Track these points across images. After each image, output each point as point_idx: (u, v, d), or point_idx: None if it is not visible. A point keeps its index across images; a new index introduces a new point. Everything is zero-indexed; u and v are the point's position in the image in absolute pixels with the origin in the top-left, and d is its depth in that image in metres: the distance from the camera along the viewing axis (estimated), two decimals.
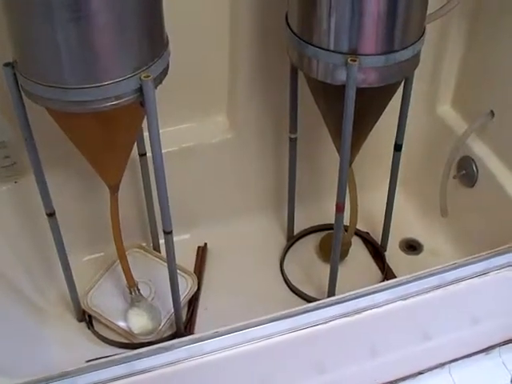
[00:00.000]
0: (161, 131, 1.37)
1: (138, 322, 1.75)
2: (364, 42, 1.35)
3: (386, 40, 1.36)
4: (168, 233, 1.53)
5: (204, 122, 1.95)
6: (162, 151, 1.40)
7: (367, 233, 2.04)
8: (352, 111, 1.41)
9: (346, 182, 1.56)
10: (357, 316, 1.31)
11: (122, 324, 1.76)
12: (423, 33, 1.44)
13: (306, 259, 2.00)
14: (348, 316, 1.31)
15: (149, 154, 1.70)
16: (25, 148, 1.50)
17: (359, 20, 1.32)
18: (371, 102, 1.51)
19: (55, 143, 1.55)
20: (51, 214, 1.58)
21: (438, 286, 1.37)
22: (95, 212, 1.84)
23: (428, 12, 1.46)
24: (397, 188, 1.87)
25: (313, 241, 2.04)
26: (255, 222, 2.06)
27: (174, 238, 1.57)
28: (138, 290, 1.76)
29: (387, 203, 1.90)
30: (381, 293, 1.34)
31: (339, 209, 1.61)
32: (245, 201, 2.05)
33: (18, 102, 1.37)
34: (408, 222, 2.08)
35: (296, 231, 2.05)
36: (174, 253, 1.57)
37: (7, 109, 1.58)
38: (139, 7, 1.24)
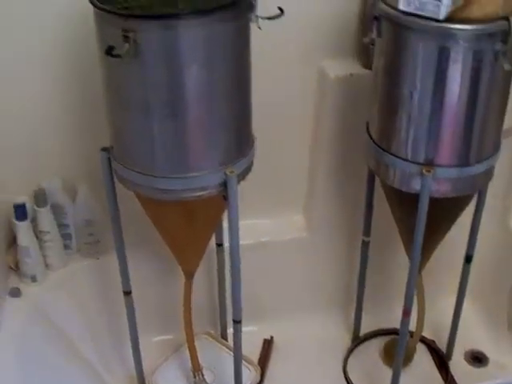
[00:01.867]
0: (241, 223, 1.45)
1: None
2: (440, 154, 1.41)
3: (461, 153, 1.41)
4: (237, 322, 1.58)
5: (280, 219, 2.04)
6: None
7: (433, 341, 2.04)
8: (424, 219, 1.45)
9: (414, 288, 1.59)
10: None
11: None
12: (498, 148, 1.48)
13: (369, 362, 2.00)
14: None
15: (226, 245, 1.77)
16: (109, 227, 1.60)
17: (436, 133, 1.38)
18: (444, 212, 1.55)
19: (139, 226, 1.64)
20: (128, 293, 1.66)
21: None
22: (169, 295, 1.91)
23: (504, 127, 1.51)
24: (465, 298, 1.87)
25: (378, 344, 2.05)
26: (322, 320, 2.09)
27: (242, 329, 1.62)
28: (202, 374, 1.80)
29: (454, 312, 1.91)
30: None
31: (405, 314, 1.64)
32: (314, 298, 2.09)
33: (109, 184, 1.47)
34: (475, 333, 2.07)
35: (362, 333, 2.06)
36: (240, 342, 1.61)
37: (97, 190, 1.71)
38: (230, 110, 1.34)
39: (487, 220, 1.75)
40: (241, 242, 1.49)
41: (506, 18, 1.26)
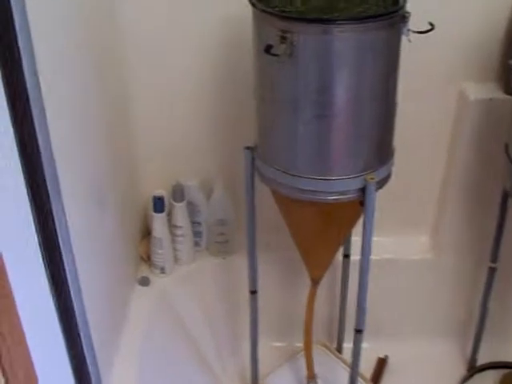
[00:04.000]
0: None
1: None
2: None
3: None
4: (359, 331, 1.59)
5: (407, 239, 2.04)
6: None
7: None
8: None
9: None
10: None
11: None
12: None
13: None
14: None
15: (352, 258, 1.80)
16: (239, 229, 1.66)
17: None
18: None
19: (271, 229, 1.69)
20: (254, 292, 1.70)
21: None
22: (292, 302, 1.95)
23: None
24: None
25: (493, 376, 2.01)
26: (439, 344, 2.07)
27: None
28: (316, 382, 1.81)
29: None
30: None
31: None
32: (433, 321, 2.08)
33: (249, 182, 1.53)
34: None
35: (479, 362, 2.03)
36: (360, 351, 1.62)
37: (232, 191, 1.77)
38: (375, 117, 1.37)
39: None
40: None
41: None
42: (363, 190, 1.38)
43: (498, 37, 1.75)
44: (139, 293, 1.81)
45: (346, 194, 1.39)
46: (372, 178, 1.37)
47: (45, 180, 0.96)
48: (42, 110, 0.93)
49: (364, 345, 1.79)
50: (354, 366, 1.65)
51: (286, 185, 1.40)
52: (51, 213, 1.02)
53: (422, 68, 1.73)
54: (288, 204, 1.49)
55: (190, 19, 1.69)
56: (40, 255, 1.01)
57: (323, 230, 1.52)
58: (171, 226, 1.84)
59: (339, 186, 1.38)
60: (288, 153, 1.38)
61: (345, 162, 1.37)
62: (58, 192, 1.04)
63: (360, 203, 1.40)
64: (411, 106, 1.73)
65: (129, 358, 1.59)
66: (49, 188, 0.97)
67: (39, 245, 1.00)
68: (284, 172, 1.39)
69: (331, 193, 1.38)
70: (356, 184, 1.38)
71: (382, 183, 1.44)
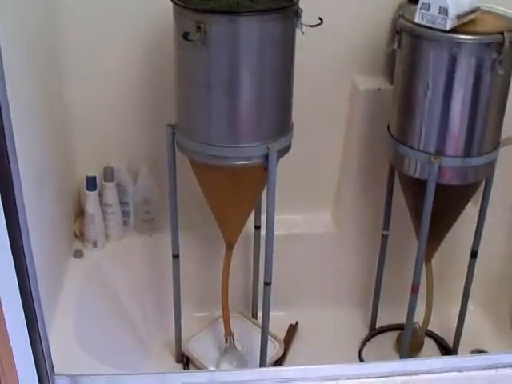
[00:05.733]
0: (276, 217, 1.73)
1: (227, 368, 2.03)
2: (447, 145, 1.69)
3: (464, 145, 1.69)
4: (268, 284, 1.83)
5: (311, 215, 2.31)
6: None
7: (442, 338, 2.25)
8: (431, 199, 1.72)
9: (422, 263, 1.85)
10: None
11: (212, 369, 2.03)
12: (498, 145, 1.75)
13: (382, 350, 2.23)
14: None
15: (263, 233, 2.02)
16: (164, 208, 1.91)
17: (445, 127, 1.67)
18: (450, 199, 1.81)
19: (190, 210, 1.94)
20: (176, 256, 1.93)
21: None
22: (212, 274, 2.13)
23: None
24: (473, 304, 2.12)
25: (392, 337, 2.26)
26: (344, 310, 2.32)
27: (272, 314, 1.88)
28: (233, 339, 2.05)
29: (460, 310, 2.11)
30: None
31: (414, 289, 1.88)
32: (337, 290, 2.33)
33: (171, 154, 1.77)
34: (479, 332, 2.26)
35: (378, 325, 2.29)
36: (269, 303, 1.86)
37: (157, 171, 2.01)
38: (275, 94, 1.66)
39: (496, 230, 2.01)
40: (276, 232, 1.76)
41: (501, 33, 1.57)
42: (267, 157, 1.65)
43: (385, 35, 2.03)
44: (74, 264, 2.02)
45: (251, 160, 1.66)
46: (273, 146, 1.64)
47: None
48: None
49: (278, 313, 2.04)
50: (264, 314, 1.88)
51: (202, 153, 1.67)
52: (13, 191, 1.22)
53: (320, 62, 2.02)
54: (204, 171, 1.75)
55: (120, 19, 1.93)
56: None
57: (234, 194, 1.78)
58: (102, 205, 2.06)
59: (246, 153, 1.65)
60: (203, 125, 1.64)
61: (250, 132, 1.65)
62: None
63: (264, 169, 1.67)
64: (312, 96, 2.02)
65: (66, 317, 1.79)
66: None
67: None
68: (200, 142, 1.65)
69: (239, 158, 1.65)
70: (260, 151, 1.65)
71: (282, 152, 1.71)
